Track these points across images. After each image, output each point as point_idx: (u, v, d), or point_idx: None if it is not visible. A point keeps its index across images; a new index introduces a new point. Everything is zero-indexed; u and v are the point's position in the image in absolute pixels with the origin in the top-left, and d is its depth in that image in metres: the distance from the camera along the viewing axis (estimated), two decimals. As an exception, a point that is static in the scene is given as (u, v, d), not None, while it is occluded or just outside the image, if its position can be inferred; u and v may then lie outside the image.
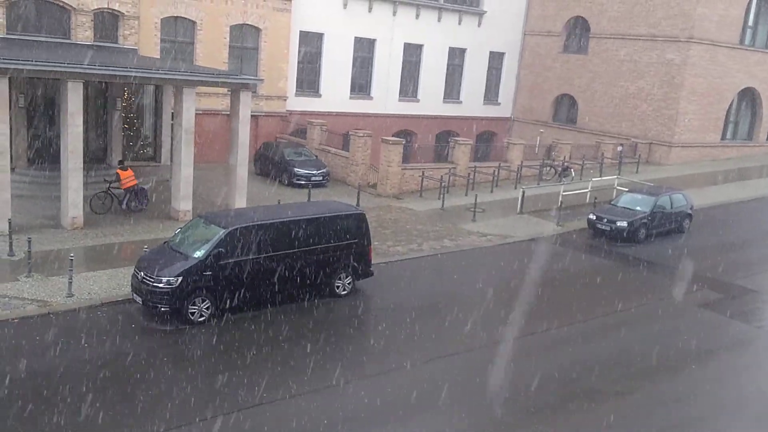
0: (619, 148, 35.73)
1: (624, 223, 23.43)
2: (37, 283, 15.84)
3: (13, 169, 20.36)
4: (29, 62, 18.49)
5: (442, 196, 27.10)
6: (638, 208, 24.12)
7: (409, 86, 38.38)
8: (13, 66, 18.15)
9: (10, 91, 18.86)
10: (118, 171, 21.98)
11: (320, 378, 12.92)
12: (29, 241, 16.53)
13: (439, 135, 39.34)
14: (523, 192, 26.94)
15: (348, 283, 17.06)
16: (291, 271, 15.82)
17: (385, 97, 37.19)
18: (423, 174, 28.69)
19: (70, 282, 15.40)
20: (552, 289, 18.83)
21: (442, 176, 28.45)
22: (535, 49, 42.39)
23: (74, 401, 11.40)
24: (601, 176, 31.77)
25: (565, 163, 33.20)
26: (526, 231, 24.33)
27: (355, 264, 17.07)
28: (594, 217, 24.32)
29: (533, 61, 42.48)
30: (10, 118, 19.60)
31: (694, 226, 25.51)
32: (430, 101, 39.12)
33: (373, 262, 17.80)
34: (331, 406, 11.99)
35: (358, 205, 23.92)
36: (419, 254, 20.87)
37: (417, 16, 37.44)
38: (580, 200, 28.05)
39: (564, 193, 27.06)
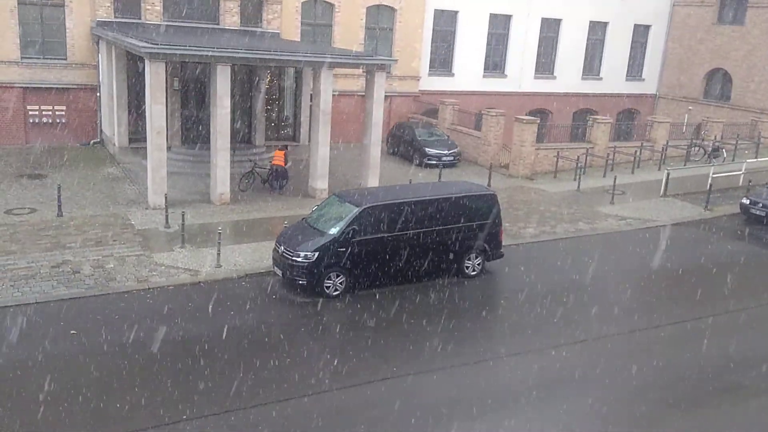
0: (780, 127, 32.72)
1: (783, 209, 21.57)
2: (189, 254, 17.14)
3: (169, 148, 22.02)
4: (182, 47, 19.86)
5: (578, 177, 26.18)
6: (800, 192, 22.13)
7: (545, 63, 37.18)
8: (168, 51, 19.59)
9: (165, 75, 20.38)
10: (277, 151, 23.17)
11: (451, 355, 13.03)
12: (183, 215, 17.92)
13: (576, 113, 37.88)
14: (668, 173, 25.42)
15: (478, 264, 17.01)
16: (422, 250, 16.02)
17: (519, 75, 36.28)
18: (558, 154, 27.84)
19: (218, 254, 16.54)
20: (697, 277, 17.70)
21: (578, 156, 27.46)
22: (684, 20, 39.53)
23: (222, 364, 12.29)
24: (757, 157, 29.25)
25: (716, 143, 30.89)
26: (669, 215, 22.99)
27: (486, 245, 16.97)
28: (748, 202, 22.61)
29: (682, 34, 39.66)
30: (166, 100, 21.18)
31: None
32: (568, 78, 37.69)
33: (503, 243, 17.63)
34: (460, 384, 12.09)
35: (489, 185, 23.68)
36: (552, 237, 20.36)
37: (556, -11, 36.10)
38: (732, 183, 26.08)
39: (714, 175, 25.23)
